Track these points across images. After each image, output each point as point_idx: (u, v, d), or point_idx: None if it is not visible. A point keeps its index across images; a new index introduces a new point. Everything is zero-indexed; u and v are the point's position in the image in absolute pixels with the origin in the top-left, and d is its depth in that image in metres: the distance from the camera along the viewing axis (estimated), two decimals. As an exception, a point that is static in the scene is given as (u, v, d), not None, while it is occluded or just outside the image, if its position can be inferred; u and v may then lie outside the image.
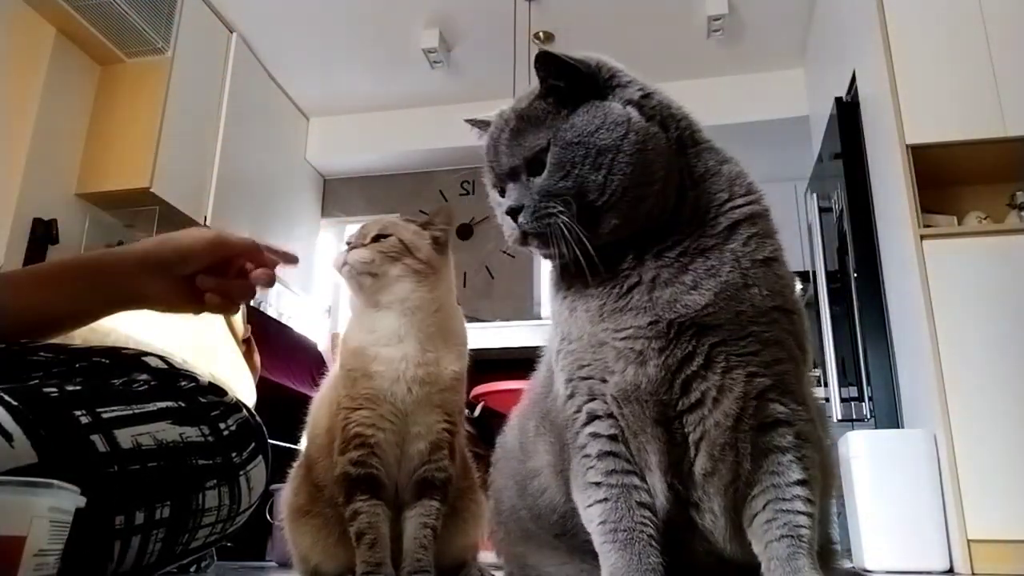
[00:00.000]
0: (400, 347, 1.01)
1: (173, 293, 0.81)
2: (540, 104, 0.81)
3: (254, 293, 0.85)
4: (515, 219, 0.78)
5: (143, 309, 0.84)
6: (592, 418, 0.82)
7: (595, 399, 0.81)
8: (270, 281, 0.84)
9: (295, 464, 1.13)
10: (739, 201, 0.81)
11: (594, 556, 0.82)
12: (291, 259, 0.89)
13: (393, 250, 1.03)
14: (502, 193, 0.84)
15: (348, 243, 1.07)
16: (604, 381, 0.80)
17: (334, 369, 1.10)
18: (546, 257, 0.84)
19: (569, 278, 0.84)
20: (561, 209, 0.76)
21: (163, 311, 0.84)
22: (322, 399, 1.11)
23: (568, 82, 0.80)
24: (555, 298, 0.88)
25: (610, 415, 0.81)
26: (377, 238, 1.04)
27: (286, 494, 1.10)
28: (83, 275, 0.80)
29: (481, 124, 0.89)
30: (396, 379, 1.00)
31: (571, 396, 0.84)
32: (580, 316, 0.82)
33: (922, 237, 2.45)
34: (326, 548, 1.03)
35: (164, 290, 0.81)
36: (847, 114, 3.13)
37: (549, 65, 0.80)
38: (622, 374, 0.78)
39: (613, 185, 0.75)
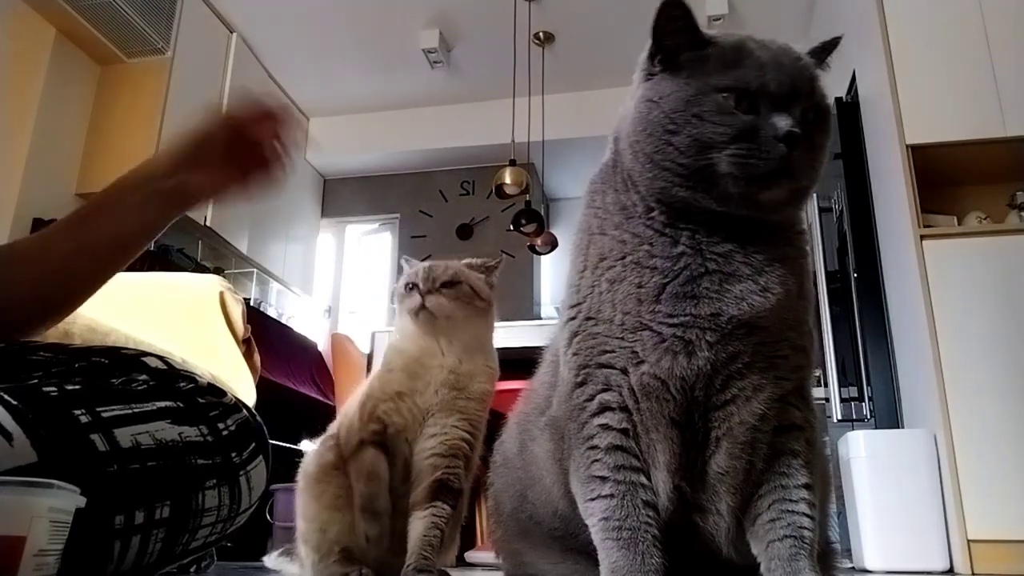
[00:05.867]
0: (440, 359, 1.12)
1: (215, 180, 0.87)
2: (815, 62, 0.79)
3: (284, 155, 0.88)
4: (791, 145, 0.71)
5: (200, 204, 0.91)
6: (604, 409, 0.79)
7: (610, 389, 0.79)
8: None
9: (324, 435, 1.18)
10: (806, 215, 0.85)
11: (589, 556, 0.82)
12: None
13: (466, 297, 1.15)
14: (744, 107, 0.73)
15: (411, 285, 1.15)
16: (625, 373, 0.78)
17: (376, 370, 1.19)
18: (760, 198, 0.74)
19: (627, 245, 0.79)
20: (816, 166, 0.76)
21: (217, 199, 0.91)
22: (360, 390, 1.19)
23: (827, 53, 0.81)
24: (593, 269, 0.82)
25: (624, 408, 0.79)
26: (447, 283, 1.14)
27: (306, 464, 1.17)
28: (134, 188, 0.85)
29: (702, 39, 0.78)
30: (428, 382, 1.11)
31: (582, 384, 0.81)
32: (624, 291, 0.78)
33: (922, 237, 2.45)
34: (346, 512, 1.06)
35: (206, 180, 0.87)
36: (847, 114, 3.13)
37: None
38: (656, 364, 0.76)
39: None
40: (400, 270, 1.23)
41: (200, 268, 3.98)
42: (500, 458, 1.07)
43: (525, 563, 1.03)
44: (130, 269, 0.88)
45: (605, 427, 0.79)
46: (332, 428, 1.18)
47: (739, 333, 0.75)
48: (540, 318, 4.71)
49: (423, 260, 1.21)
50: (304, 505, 1.11)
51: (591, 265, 0.82)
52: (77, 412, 0.63)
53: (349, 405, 1.18)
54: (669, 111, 0.75)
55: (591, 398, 0.80)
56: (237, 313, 1.81)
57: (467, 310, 1.14)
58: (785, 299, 0.77)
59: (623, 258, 0.79)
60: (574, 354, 0.82)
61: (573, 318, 0.83)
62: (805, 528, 0.76)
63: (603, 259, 0.81)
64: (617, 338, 0.78)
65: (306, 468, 1.14)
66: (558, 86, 4.63)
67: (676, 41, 0.78)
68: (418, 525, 1.03)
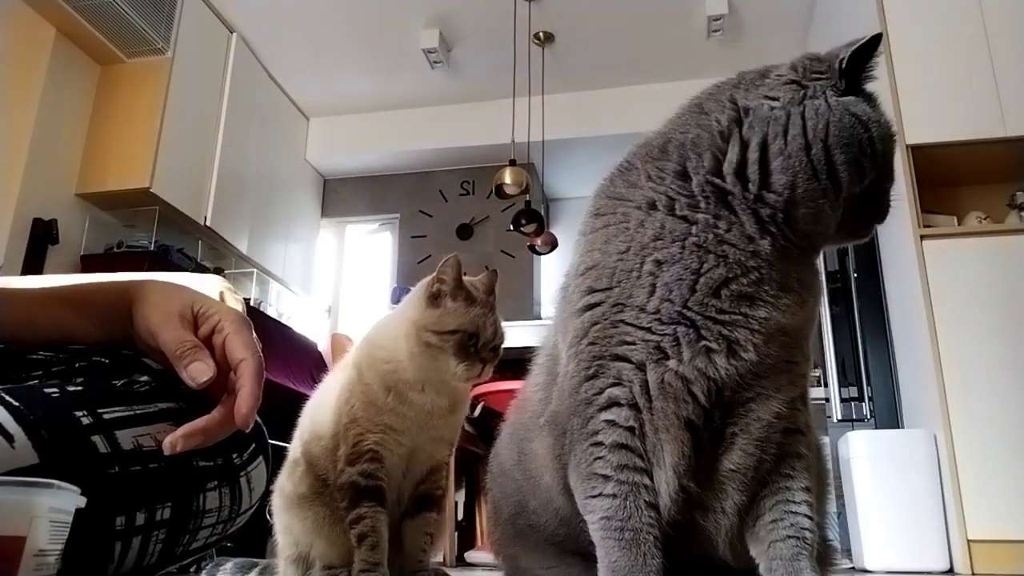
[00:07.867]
0: (423, 396, 1.01)
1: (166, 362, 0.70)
2: None
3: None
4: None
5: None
6: (612, 404, 0.78)
7: (620, 384, 0.77)
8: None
9: (289, 459, 1.13)
10: None
11: (585, 559, 0.82)
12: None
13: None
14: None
15: (481, 344, 0.96)
16: (640, 369, 0.76)
17: (345, 373, 1.09)
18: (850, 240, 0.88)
19: (696, 226, 0.75)
20: None
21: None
22: (326, 402, 1.11)
23: None
24: (639, 251, 0.76)
25: (632, 406, 0.77)
26: (495, 349, 0.98)
27: (282, 484, 1.11)
28: (110, 311, 0.73)
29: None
30: (421, 424, 1.02)
31: (593, 376, 0.79)
32: (673, 273, 0.75)
33: (922, 237, 2.45)
34: (331, 534, 1.06)
35: (159, 356, 0.72)
36: (847, 114, 3.12)
37: None
38: (687, 363, 0.75)
39: None
40: (457, 272, 0.93)
41: (200, 268, 3.98)
42: (497, 468, 1.06)
43: (521, 568, 1.04)
44: (130, 269, 0.87)
45: (611, 423, 0.78)
46: (295, 450, 1.11)
47: (779, 337, 0.78)
48: (540, 318, 4.71)
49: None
50: (287, 525, 1.10)
51: (636, 247, 0.77)
52: (79, 414, 0.63)
53: (316, 421, 1.09)
54: (876, 138, 0.81)
55: (600, 392, 0.78)
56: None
57: None
58: (812, 313, 0.82)
59: (685, 238, 0.75)
60: (590, 343, 0.79)
61: (598, 304, 0.78)
62: (807, 529, 0.77)
63: (658, 239, 0.76)
64: (643, 328, 0.75)
65: (282, 488, 1.12)
66: (558, 86, 4.63)
67: (867, 75, 0.83)
68: (410, 533, 1.04)
